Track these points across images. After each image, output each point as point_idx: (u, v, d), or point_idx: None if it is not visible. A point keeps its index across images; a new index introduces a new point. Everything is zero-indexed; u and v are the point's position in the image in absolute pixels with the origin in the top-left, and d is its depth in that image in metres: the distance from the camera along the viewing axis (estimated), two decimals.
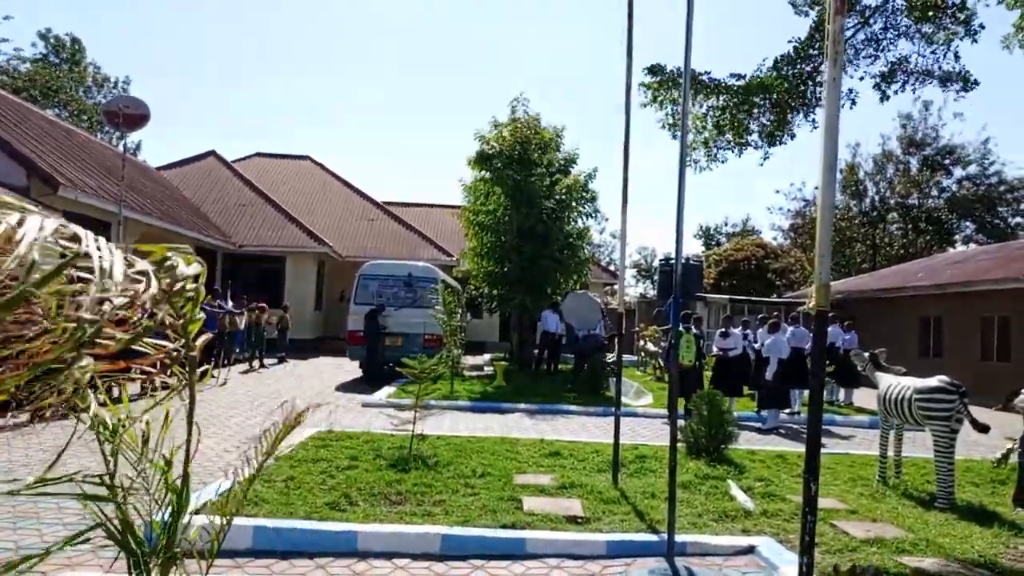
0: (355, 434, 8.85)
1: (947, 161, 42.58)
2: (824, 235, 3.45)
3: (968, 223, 43.02)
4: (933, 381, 7.02)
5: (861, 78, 10.28)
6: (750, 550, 5.18)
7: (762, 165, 10.90)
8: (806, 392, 11.96)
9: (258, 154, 35.58)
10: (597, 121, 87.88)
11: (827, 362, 12.29)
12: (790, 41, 10.23)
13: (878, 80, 9.99)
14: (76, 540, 2.16)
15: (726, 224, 59.55)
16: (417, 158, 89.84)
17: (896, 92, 10.18)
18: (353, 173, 79.59)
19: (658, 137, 62.37)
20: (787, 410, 12.94)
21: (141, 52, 73.50)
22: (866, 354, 8.60)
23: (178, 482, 2.27)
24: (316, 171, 34.97)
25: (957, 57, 9.67)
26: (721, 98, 10.14)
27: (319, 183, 33.77)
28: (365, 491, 6.11)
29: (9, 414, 9.22)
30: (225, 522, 2.41)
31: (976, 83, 9.87)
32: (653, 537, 5.28)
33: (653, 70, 10.12)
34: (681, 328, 13.15)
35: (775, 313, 13.86)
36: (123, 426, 2.26)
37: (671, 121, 10.37)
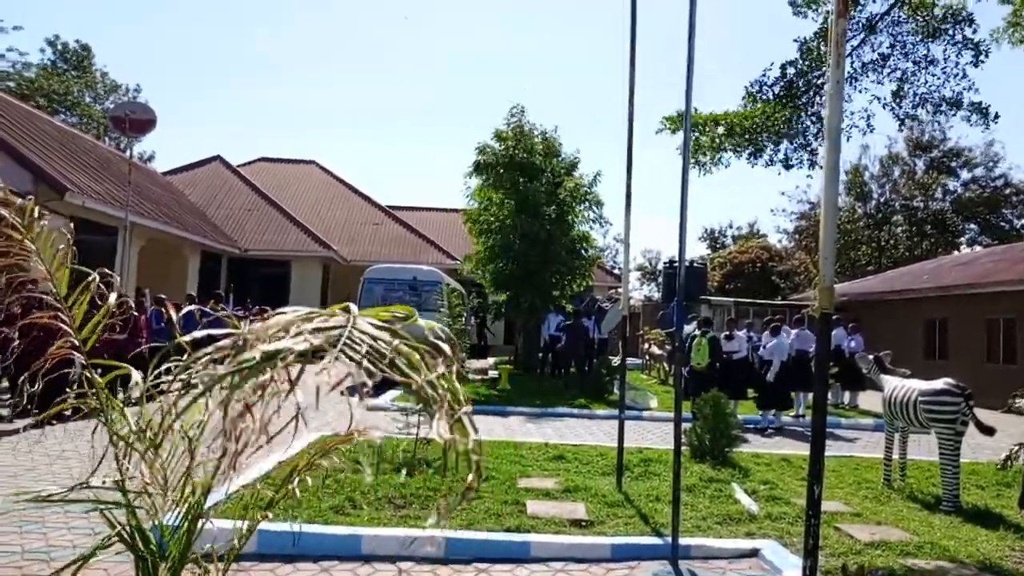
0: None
1: (953, 163, 42.47)
2: (828, 237, 3.45)
3: (973, 225, 42.90)
4: (938, 384, 7.00)
5: (870, 101, 10.17)
6: (754, 553, 5.18)
7: (779, 174, 10.78)
8: (811, 395, 11.94)
9: (263, 158, 35.71)
10: (601, 123, 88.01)
11: (832, 364, 12.27)
12: (795, 40, 10.19)
13: (890, 101, 9.91)
14: (102, 547, 2.17)
15: (731, 226, 59.47)
16: (422, 162, 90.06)
17: (910, 117, 10.08)
18: (358, 177, 79.81)
19: (663, 138, 62.29)
20: (791, 412, 12.93)
21: (147, 58, 73.96)
22: (871, 356, 8.59)
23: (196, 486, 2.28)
24: (321, 175, 35.08)
25: (965, 76, 9.59)
26: (735, 127, 10.03)
27: (324, 187, 33.88)
28: (369, 494, 6.12)
29: (15, 419, 9.28)
30: (248, 527, 2.42)
31: (997, 117, 9.68)
32: (657, 540, 5.28)
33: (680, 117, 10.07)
34: (697, 331, 13.24)
35: (778, 316, 13.82)
36: (149, 429, 2.27)
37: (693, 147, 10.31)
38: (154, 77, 76.28)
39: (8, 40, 55.80)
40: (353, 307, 1.82)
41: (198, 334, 1.81)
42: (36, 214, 2.33)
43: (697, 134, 9.91)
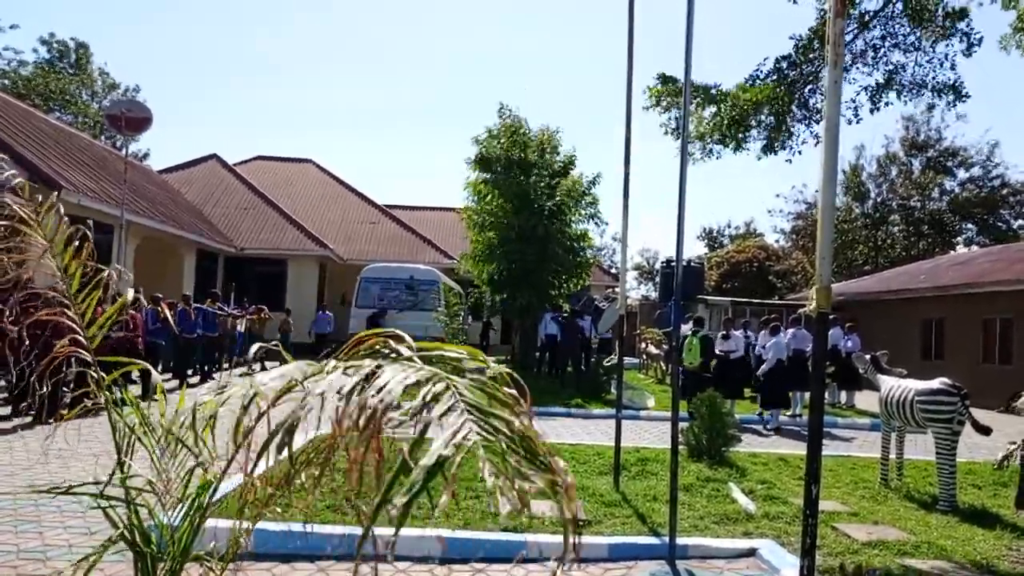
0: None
1: (950, 163, 42.54)
2: (825, 237, 3.45)
3: (970, 225, 42.98)
4: (934, 383, 7.02)
5: (857, 92, 10.17)
6: (751, 553, 5.18)
7: (760, 159, 10.61)
8: (807, 394, 11.96)
9: (259, 157, 35.60)
10: (601, 123, 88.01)
11: (828, 364, 12.27)
12: (791, 38, 10.18)
13: (873, 92, 9.91)
14: (107, 547, 2.16)
15: (729, 226, 59.57)
16: (421, 162, 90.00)
17: (888, 104, 10.09)
18: (357, 177, 79.80)
19: (661, 135, 62.34)
20: (788, 412, 12.94)
21: (147, 57, 73.78)
22: (867, 356, 8.60)
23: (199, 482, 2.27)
24: (318, 174, 35.00)
25: (953, 67, 9.59)
26: (720, 107, 10.00)
27: (321, 186, 33.80)
28: (366, 494, 6.09)
29: (14, 417, 9.26)
30: (249, 526, 2.40)
31: (968, 96, 9.73)
32: (655, 540, 5.28)
33: (664, 80, 10.00)
34: (689, 331, 13.22)
35: (775, 316, 13.85)
36: (167, 428, 2.26)
37: (674, 126, 10.28)
38: (153, 76, 76.19)
39: (4, 39, 55.70)
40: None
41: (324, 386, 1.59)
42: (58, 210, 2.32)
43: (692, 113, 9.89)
